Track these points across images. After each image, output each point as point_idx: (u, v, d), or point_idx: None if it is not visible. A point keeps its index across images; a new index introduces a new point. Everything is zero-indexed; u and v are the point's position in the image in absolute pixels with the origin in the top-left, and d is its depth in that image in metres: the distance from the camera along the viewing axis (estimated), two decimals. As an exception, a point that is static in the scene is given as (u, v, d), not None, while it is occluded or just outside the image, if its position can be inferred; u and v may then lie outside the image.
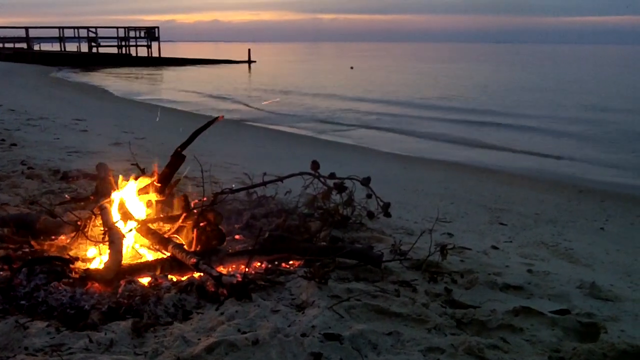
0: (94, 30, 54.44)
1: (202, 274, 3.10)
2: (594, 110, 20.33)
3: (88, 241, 3.49)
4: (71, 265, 3.14)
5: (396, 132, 15.25)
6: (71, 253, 3.43)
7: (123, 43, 55.58)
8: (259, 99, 23.77)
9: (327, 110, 20.31)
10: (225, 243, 3.58)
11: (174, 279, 3.20)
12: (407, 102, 22.51)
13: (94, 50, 54.10)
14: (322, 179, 4.67)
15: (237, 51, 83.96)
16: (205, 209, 3.61)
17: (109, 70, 43.03)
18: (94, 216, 3.63)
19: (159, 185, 3.94)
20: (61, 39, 52.79)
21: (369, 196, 4.65)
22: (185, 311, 2.83)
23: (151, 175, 3.98)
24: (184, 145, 4.03)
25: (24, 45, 52.23)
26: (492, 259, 4.12)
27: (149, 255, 3.51)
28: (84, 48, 54.14)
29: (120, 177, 3.93)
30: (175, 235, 3.63)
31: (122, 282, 2.99)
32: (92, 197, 4.44)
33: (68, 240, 3.65)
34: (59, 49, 53.00)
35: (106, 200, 3.70)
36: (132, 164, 4.49)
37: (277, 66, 60.11)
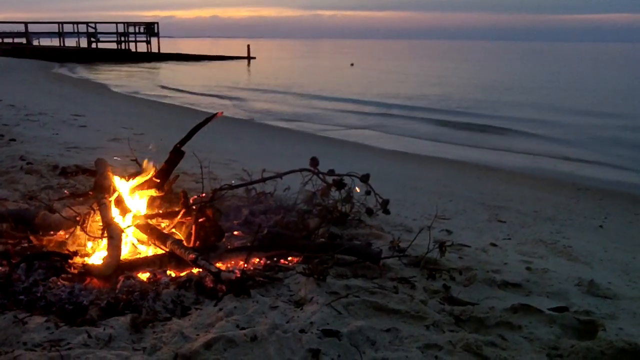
0: (93, 25, 54.40)
1: (200, 269, 3.10)
2: (594, 108, 20.34)
3: (87, 236, 3.49)
4: (70, 261, 3.14)
5: (396, 130, 15.25)
6: (70, 248, 3.43)
7: (122, 38, 55.55)
8: (258, 97, 23.77)
9: (326, 108, 20.28)
10: (224, 239, 3.58)
11: (173, 275, 3.20)
12: (407, 101, 22.47)
13: (93, 45, 54.04)
14: (321, 175, 4.67)
15: (236, 47, 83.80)
16: (204, 205, 3.61)
17: (108, 66, 42.96)
18: (92, 212, 3.63)
19: (157, 181, 3.94)
20: (60, 34, 52.75)
21: (367, 193, 4.65)
22: (184, 307, 2.83)
23: (146, 171, 3.97)
24: (183, 142, 4.02)
25: (23, 41, 52.19)
26: (490, 256, 4.13)
27: (146, 250, 3.51)
28: (83, 43, 54.11)
29: (145, 161, 3.95)
30: (174, 231, 3.63)
31: (121, 278, 3.00)
32: (90, 193, 4.43)
33: (67, 236, 3.65)
34: (58, 44, 52.92)
35: (105, 196, 3.70)
36: (132, 160, 4.49)
37: (277, 63, 60.03)
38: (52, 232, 3.74)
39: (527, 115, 18.45)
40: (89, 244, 3.50)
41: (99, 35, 54.36)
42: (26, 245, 3.52)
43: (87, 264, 3.14)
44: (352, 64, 51.95)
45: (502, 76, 39.28)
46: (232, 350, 2.40)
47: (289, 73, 40.94)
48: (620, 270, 4.20)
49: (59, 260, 3.12)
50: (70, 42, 54.24)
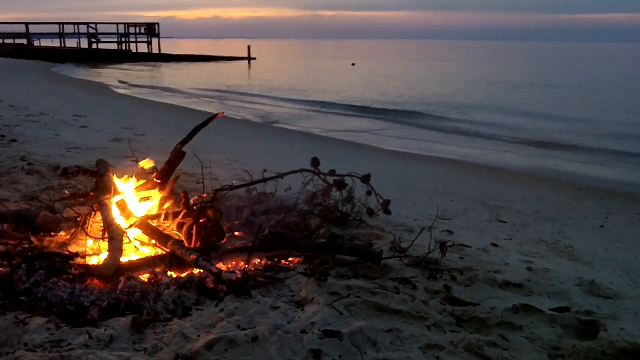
0: (94, 26, 54.45)
1: (201, 270, 3.10)
2: (594, 108, 20.33)
3: (88, 237, 3.49)
4: (71, 262, 3.14)
5: (397, 130, 15.25)
6: (71, 249, 3.43)
7: (123, 39, 55.58)
8: (258, 97, 23.79)
9: (328, 107, 20.30)
10: (225, 240, 3.58)
11: (174, 276, 3.20)
12: (407, 101, 22.49)
13: (94, 46, 54.09)
14: (322, 176, 4.67)
15: (237, 48, 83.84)
16: (205, 205, 3.61)
17: (109, 66, 42.99)
18: (94, 212, 3.63)
19: (158, 181, 3.94)
20: (61, 35, 52.80)
21: (368, 193, 4.65)
22: (185, 308, 2.83)
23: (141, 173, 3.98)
24: (184, 142, 4.02)
25: (24, 41, 52.24)
26: (492, 256, 4.13)
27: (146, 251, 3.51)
28: (84, 44, 54.17)
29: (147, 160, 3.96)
30: (175, 232, 3.63)
31: (122, 279, 2.99)
32: (92, 194, 4.44)
33: (68, 237, 3.65)
34: (59, 45, 52.97)
35: (106, 197, 3.70)
36: (133, 160, 4.49)
37: (278, 63, 60.06)
38: (53, 233, 3.74)
39: (528, 112, 18.47)
40: (90, 244, 3.50)
41: (99, 36, 54.41)
42: (27, 246, 3.52)
43: (88, 265, 3.14)
44: (353, 64, 51.98)
45: (503, 75, 39.26)
46: (233, 350, 2.40)
47: (290, 73, 40.96)
48: (621, 270, 4.19)
49: (60, 261, 3.12)
50: (71, 43, 54.30)
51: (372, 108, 19.79)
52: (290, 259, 3.57)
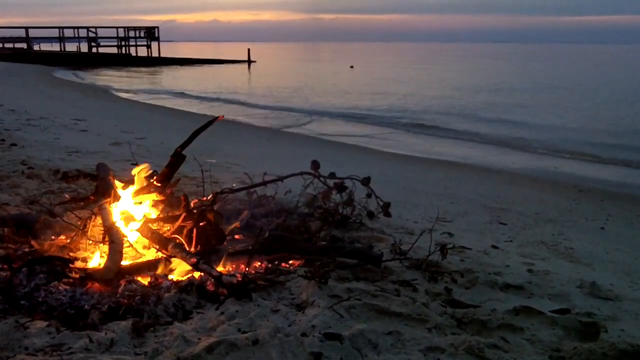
0: (93, 30, 54.48)
1: (202, 273, 3.10)
2: (594, 109, 20.34)
3: (88, 241, 3.49)
4: (71, 265, 3.14)
5: (397, 132, 15.27)
6: (71, 253, 3.43)
7: (123, 43, 55.63)
8: (259, 100, 23.81)
9: (327, 109, 20.31)
10: (225, 243, 3.58)
11: (174, 279, 3.20)
12: (407, 101, 22.50)
13: (94, 50, 54.13)
14: (322, 178, 4.67)
15: (236, 51, 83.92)
16: (205, 208, 3.61)
17: (108, 71, 43.03)
18: (94, 216, 3.63)
19: (158, 185, 3.94)
20: (61, 39, 52.83)
21: (369, 196, 4.65)
22: (186, 311, 2.83)
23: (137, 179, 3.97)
24: (184, 145, 4.02)
25: (24, 45, 52.26)
26: (492, 258, 4.12)
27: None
28: (84, 48, 54.21)
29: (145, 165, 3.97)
30: (176, 235, 3.63)
31: (122, 282, 2.99)
32: (92, 197, 4.44)
33: (68, 240, 3.65)
34: (58, 49, 53.02)
35: (106, 200, 3.70)
36: (133, 164, 4.49)
37: (277, 66, 60.12)
38: (53, 237, 3.74)
39: (527, 115, 18.47)
40: (90, 246, 3.50)
41: (99, 40, 54.45)
42: (27, 249, 3.51)
43: (88, 269, 3.13)
44: (351, 67, 52.03)
45: (504, 78, 39.28)
46: (233, 354, 2.40)
47: (289, 76, 40.99)
48: (622, 272, 4.19)
49: (60, 264, 3.12)
50: (71, 47, 54.35)
51: (370, 112, 19.79)
52: (291, 262, 3.57)
